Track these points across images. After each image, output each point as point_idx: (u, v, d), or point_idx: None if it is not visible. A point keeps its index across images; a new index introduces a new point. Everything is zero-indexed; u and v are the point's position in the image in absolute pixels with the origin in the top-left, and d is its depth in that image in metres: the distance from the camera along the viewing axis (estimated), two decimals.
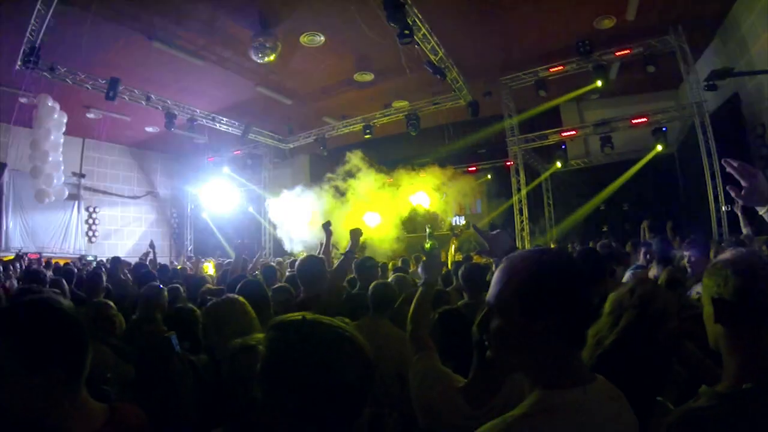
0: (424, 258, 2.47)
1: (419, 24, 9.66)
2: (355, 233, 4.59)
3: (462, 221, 16.61)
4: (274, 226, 16.13)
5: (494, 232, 2.36)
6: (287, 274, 8.53)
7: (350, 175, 14.67)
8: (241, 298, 2.78)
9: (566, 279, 1.24)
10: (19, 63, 9.72)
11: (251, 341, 1.89)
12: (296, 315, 1.21)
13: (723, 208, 10.42)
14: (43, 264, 11.27)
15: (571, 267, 1.27)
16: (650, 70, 11.04)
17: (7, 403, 1.41)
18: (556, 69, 12.09)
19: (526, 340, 1.21)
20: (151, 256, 9.49)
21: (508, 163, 13.63)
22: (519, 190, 13.14)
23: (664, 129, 12.50)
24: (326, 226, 5.16)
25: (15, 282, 8.25)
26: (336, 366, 1.12)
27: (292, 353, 1.14)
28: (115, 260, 9.32)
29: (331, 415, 1.12)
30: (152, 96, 12.80)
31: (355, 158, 14.69)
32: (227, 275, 5.90)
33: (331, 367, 1.12)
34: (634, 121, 12.24)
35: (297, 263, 4.59)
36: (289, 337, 1.16)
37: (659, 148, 12.72)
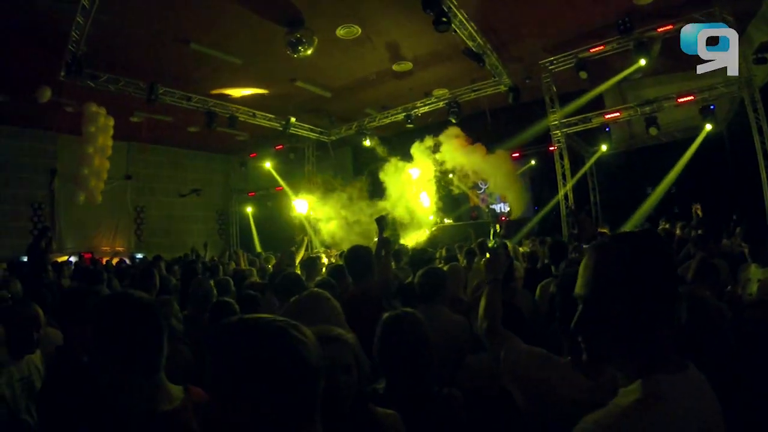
0: (488, 255, 2.45)
1: (455, 10, 9.54)
2: (380, 221, 4.61)
3: (506, 208, 16.38)
4: (308, 221, 16.27)
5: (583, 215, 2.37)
6: (327, 263, 8.67)
7: (382, 160, 15.00)
8: (325, 293, 2.76)
9: (663, 261, 1.21)
10: (62, 73, 10.00)
11: (333, 332, 1.90)
12: (234, 318, 1.21)
13: None
14: (91, 263, 11.69)
15: (664, 248, 1.24)
16: None
17: (107, 384, 1.68)
18: (596, 49, 11.67)
19: (630, 328, 1.17)
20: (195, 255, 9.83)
21: (552, 148, 13.35)
22: (564, 175, 12.86)
23: (711, 107, 11.89)
24: (380, 221, 4.86)
25: (69, 281, 8.65)
26: (273, 359, 1.11)
27: (231, 352, 1.13)
28: (156, 258, 9.66)
29: (283, 405, 1.11)
30: (192, 96, 13.05)
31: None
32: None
33: (270, 362, 1.11)
34: (681, 100, 11.80)
35: (345, 253, 4.56)
36: (229, 338, 1.16)
37: (708, 127, 12.24)
